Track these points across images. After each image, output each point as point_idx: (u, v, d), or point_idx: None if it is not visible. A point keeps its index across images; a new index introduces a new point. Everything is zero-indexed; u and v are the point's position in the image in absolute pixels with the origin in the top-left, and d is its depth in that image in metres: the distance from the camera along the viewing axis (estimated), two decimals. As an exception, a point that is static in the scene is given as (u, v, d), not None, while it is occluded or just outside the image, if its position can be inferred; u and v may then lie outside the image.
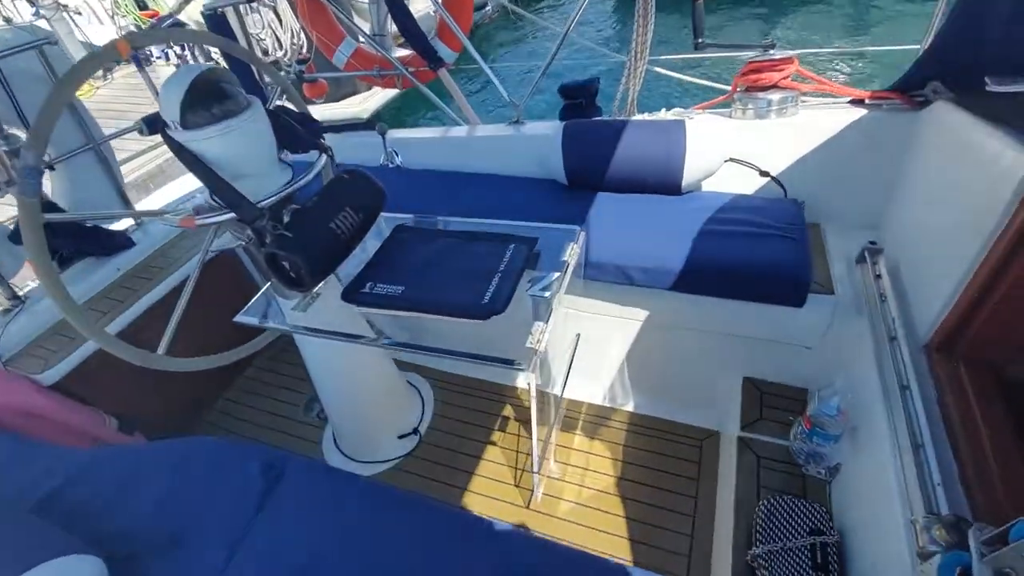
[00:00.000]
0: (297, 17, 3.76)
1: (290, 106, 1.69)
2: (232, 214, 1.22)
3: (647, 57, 2.21)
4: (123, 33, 8.08)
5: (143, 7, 7.80)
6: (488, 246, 1.41)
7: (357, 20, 2.66)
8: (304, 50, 4.35)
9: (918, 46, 1.79)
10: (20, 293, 1.97)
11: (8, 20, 9.01)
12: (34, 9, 7.47)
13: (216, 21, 2.27)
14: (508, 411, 2.17)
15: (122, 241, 2.17)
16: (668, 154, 1.86)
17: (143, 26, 7.74)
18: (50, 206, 2.00)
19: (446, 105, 2.66)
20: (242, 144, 1.24)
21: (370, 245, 1.56)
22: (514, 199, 2.09)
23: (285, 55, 4.96)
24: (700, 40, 1.97)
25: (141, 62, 1.44)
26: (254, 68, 1.64)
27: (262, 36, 4.93)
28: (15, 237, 1.92)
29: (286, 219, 1.35)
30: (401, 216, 1.66)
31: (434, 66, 2.52)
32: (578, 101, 2.18)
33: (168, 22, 5.07)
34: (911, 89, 1.74)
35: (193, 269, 1.48)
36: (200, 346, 1.53)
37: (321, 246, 1.26)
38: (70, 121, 2.02)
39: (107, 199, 2.23)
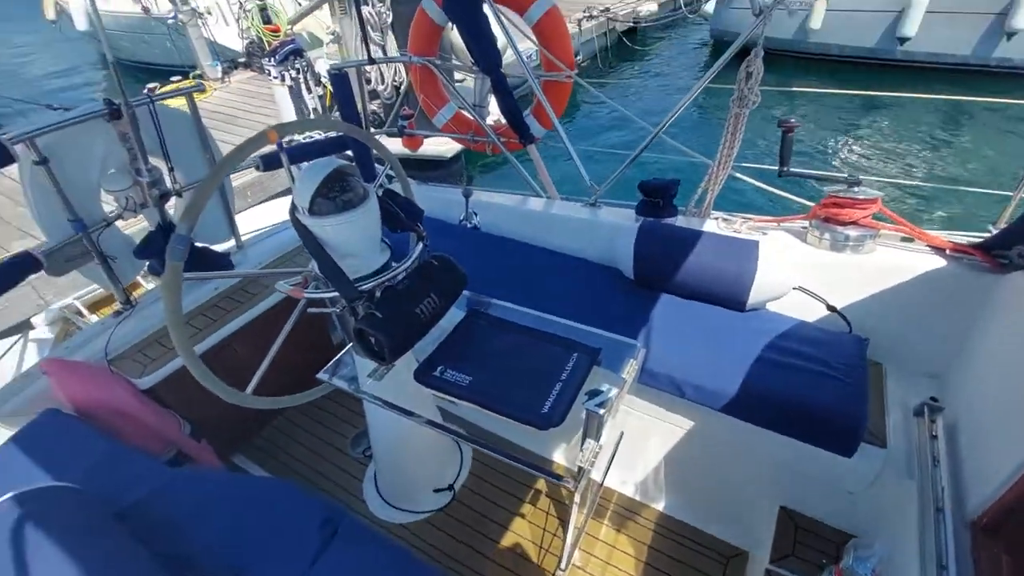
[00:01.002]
0: (407, 74, 4.07)
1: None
2: (335, 292, 1.38)
3: (731, 165, 2.28)
4: (245, 39, 8.85)
5: (267, 20, 8.57)
6: (553, 350, 1.51)
7: (460, 87, 2.88)
8: (403, 93, 4.69)
9: (1011, 193, 1.78)
10: (132, 299, 2.23)
11: (146, 10, 10.12)
12: (172, 13, 8.40)
13: (339, 79, 2.53)
14: (542, 485, 2.24)
15: (223, 263, 2.42)
16: (738, 272, 1.91)
17: (263, 37, 8.52)
18: (170, 227, 2.27)
19: (528, 174, 2.82)
20: (354, 231, 1.41)
21: (444, 321, 1.70)
22: (581, 287, 2.18)
23: (385, 89, 5.34)
24: (785, 168, 2.03)
25: (283, 146, 1.65)
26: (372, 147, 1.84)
27: (369, 70, 5.34)
28: (139, 252, 2.18)
29: (377, 294, 1.51)
30: (474, 296, 1.79)
31: (524, 141, 2.69)
32: (656, 200, 2.27)
33: (289, 48, 5.58)
34: (995, 248, 1.72)
35: (286, 319, 1.65)
36: (274, 376, 1.69)
37: (405, 328, 1.39)
38: (200, 154, 2.29)
39: (218, 223, 2.50)
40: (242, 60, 9.26)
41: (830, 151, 7.93)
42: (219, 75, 8.74)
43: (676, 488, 2.09)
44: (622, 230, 2.26)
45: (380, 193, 1.58)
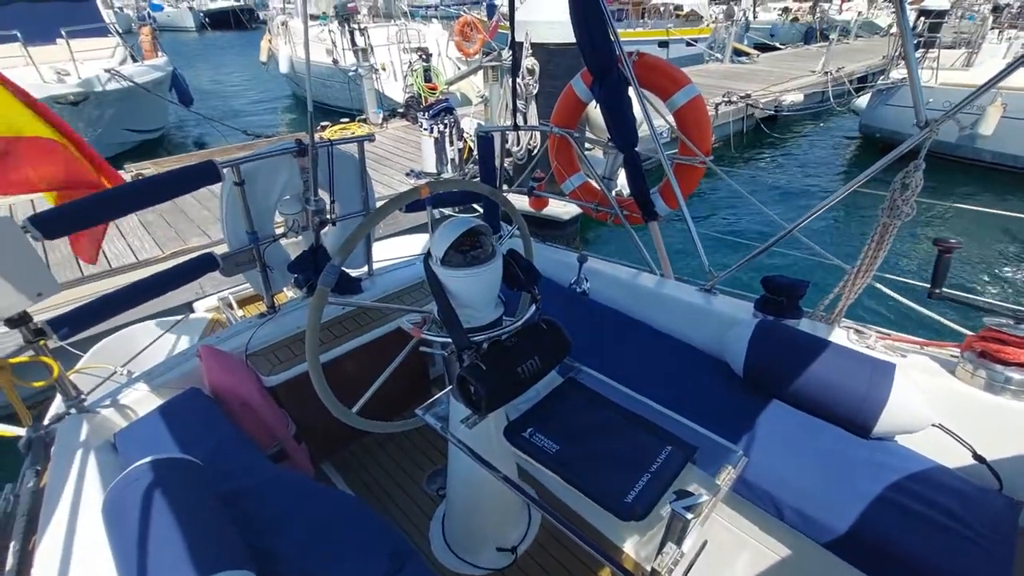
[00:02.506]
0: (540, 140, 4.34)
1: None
2: (448, 338, 1.48)
3: (872, 275, 2.12)
4: (407, 93, 10.06)
5: (428, 80, 9.69)
6: (647, 438, 1.47)
7: (591, 158, 3.03)
8: (535, 156, 5.01)
9: None
10: (277, 305, 2.55)
11: (335, 61, 11.90)
12: (355, 66, 9.80)
13: (484, 140, 2.78)
14: (607, 573, 2.12)
15: (356, 287, 2.70)
16: (867, 394, 1.73)
17: (422, 92, 9.62)
18: (321, 249, 2.59)
19: (645, 249, 2.83)
20: (477, 286, 1.52)
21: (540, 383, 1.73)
22: (685, 375, 2.11)
23: (519, 151, 5.72)
24: (938, 291, 1.84)
25: (436, 204, 1.90)
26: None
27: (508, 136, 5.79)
28: (292, 267, 2.51)
29: (484, 346, 1.59)
30: (574, 365, 1.81)
31: (647, 218, 2.72)
32: (780, 299, 2.16)
33: (442, 106, 6.23)
34: None
35: (399, 349, 1.79)
36: (375, 399, 1.82)
37: (504, 384, 1.45)
38: (359, 190, 2.62)
39: (358, 251, 2.81)
40: (400, 110, 10.49)
41: (990, 278, 6.97)
42: (380, 121, 9.96)
43: None
44: (737, 323, 2.17)
45: (504, 250, 1.69)
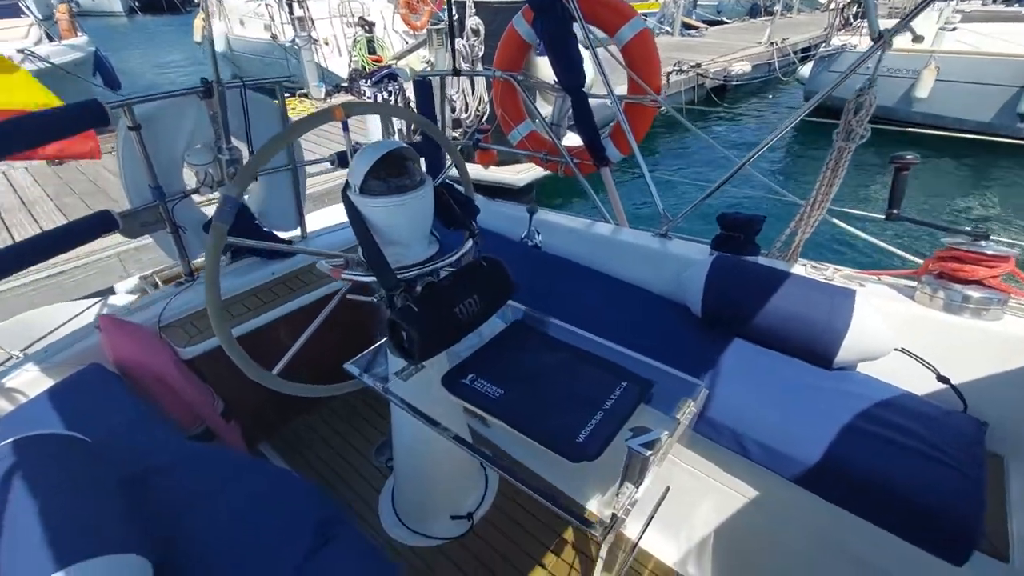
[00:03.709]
0: (489, 92, 4.14)
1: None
2: (374, 277, 1.30)
3: (827, 207, 2.04)
4: (351, 67, 9.61)
5: (372, 52, 9.23)
6: (600, 374, 1.33)
7: (540, 104, 2.85)
8: (485, 120, 4.78)
9: None
10: (196, 272, 2.28)
11: (274, 37, 11.25)
12: (293, 37, 9.25)
13: (422, 85, 2.56)
14: (570, 534, 2.00)
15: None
16: (828, 323, 1.65)
17: (367, 66, 9.16)
18: (242, 208, 2.33)
19: (599, 199, 2.70)
20: (403, 217, 1.33)
21: (485, 330, 1.57)
22: (642, 318, 2.00)
23: (468, 118, 5.48)
24: (895, 212, 1.77)
25: (348, 126, 1.68)
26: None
27: (455, 97, 5.52)
28: (207, 227, 2.24)
29: (419, 288, 1.41)
30: (521, 307, 1.65)
31: (599, 163, 2.58)
32: (736, 236, 2.06)
33: (384, 72, 5.91)
34: None
35: (327, 304, 1.59)
36: (311, 366, 1.62)
37: (440, 327, 1.28)
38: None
39: (287, 211, 2.55)
40: (344, 84, 10.00)
41: (948, 210, 7.14)
42: (322, 96, 9.46)
43: (727, 564, 1.79)
44: (693, 263, 2.06)
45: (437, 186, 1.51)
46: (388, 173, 1.31)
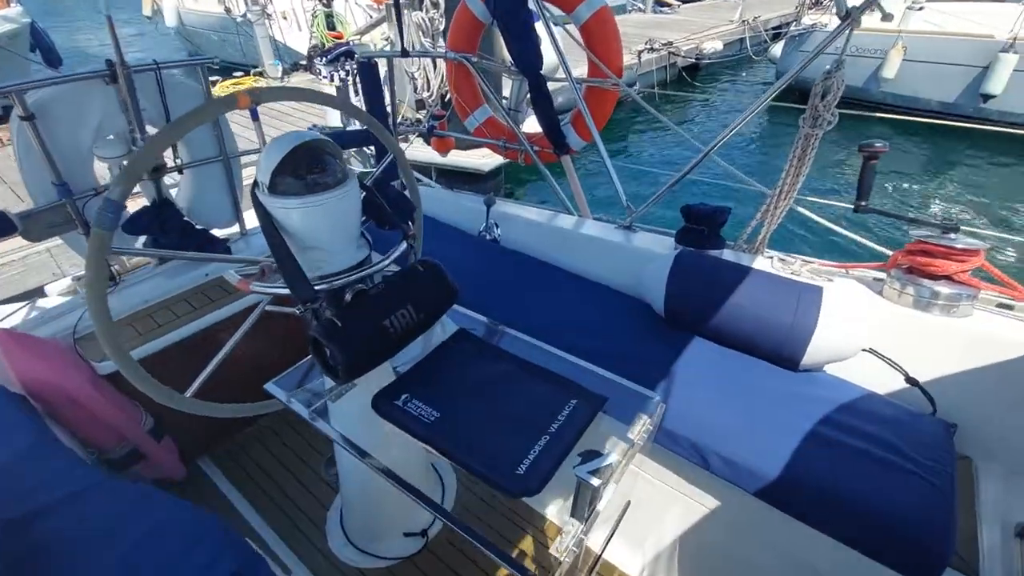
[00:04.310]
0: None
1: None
2: (286, 290, 1.14)
3: (794, 196, 1.95)
4: (311, 43, 9.14)
5: (332, 27, 8.79)
6: (548, 390, 1.21)
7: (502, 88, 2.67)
8: (440, 106, 4.54)
9: None
10: (117, 276, 2.08)
11: (228, 10, 10.62)
12: (244, 10, 8.72)
13: (366, 68, 2.36)
14: (528, 545, 1.90)
15: (221, 249, 2.25)
16: (794, 323, 1.56)
17: (326, 42, 8.72)
18: (166, 204, 2.12)
19: (561, 189, 2.56)
20: (322, 219, 1.17)
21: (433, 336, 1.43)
22: (602, 318, 1.88)
23: (431, 96, 5.23)
24: (863, 203, 1.68)
25: (258, 115, 1.49)
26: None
27: (416, 75, 5.26)
28: (127, 227, 2.03)
29: (347, 297, 1.26)
30: (467, 312, 1.52)
31: (559, 151, 2.44)
32: (700, 228, 1.95)
33: (341, 49, 5.58)
34: None
35: (251, 316, 1.42)
36: (242, 380, 1.46)
37: (367, 344, 1.14)
38: (209, 130, 2.14)
39: (221, 205, 2.34)
40: (303, 63, 9.53)
41: (917, 195, 7.17)
42: (279, 74, 8.98)
43: (689, 574, 1.72)
44: (655, 258, 1.95)
45: (369, 183, 1.35)
46: (304, 170, 1.15)
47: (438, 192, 2.79)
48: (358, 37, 9.23)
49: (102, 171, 2.00)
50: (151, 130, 1.92)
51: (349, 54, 5.83)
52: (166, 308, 2.04)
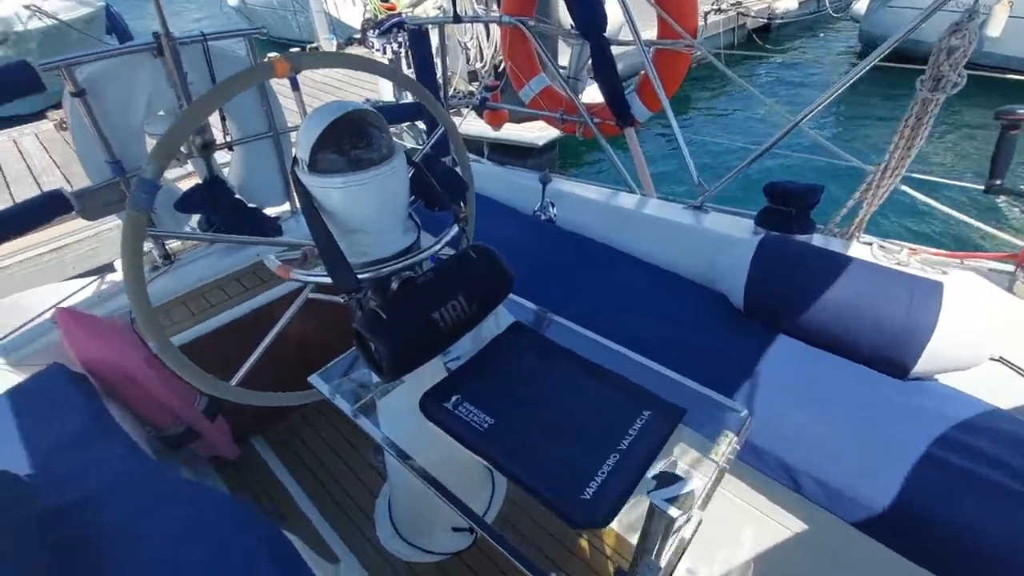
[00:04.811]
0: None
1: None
2: (327, 279, 1.04)
3: (903, 173, 1.67)
4: (365, 16, 9.08)
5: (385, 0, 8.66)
6: (617, 397, 1.06)
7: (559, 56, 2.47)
8: (494, 76, 4.34)
9: None
10: (173, 255, 2.08)
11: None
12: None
13: (417, 36, 2.22)
14: (585, 547, 1.79)
15: (270, 227, 2.21)
16: (907, 323, 1.33)
17: (379, 15, 8.62)
18: (218, 181, 2.09)
19: (623, 165, 2.35)
20: (367, 199, 1.05)
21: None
22: (670, 309, 1.70)
23: (484, 67, 5.04)
24: (998, 182, 1.40)
25: (298, 84, 1.37)
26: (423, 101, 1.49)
27: (468, 45, 5.07)
28: (179, 204, 2.01)
29: (394, 286, 1.15)
30: (522, 302, 1.38)
31: (622, 123, 2.22)
32: (788, 210, 1.71)
33: (393, 20, 5.46)
34: None
35: (295, 302, 1.35)
36: (287, 363, 1.40)
37: (414, 339, 1.02)
38: (258, 106, 2.08)
39: (271, 183, 2.29)
40: (357, 37, 9.50)
41: None
42: (334, 48, 9.00)
43: None
44: (733, 243, 1.74)
45: (418, 159, 1.22)
46: (347, 144, 1.03)
47: (489, 168, 2.64)
48: (411, 8, 9.08)
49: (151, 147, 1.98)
50: None
51: (400, 24, 5.71)
52: (218, 288, 2.03)
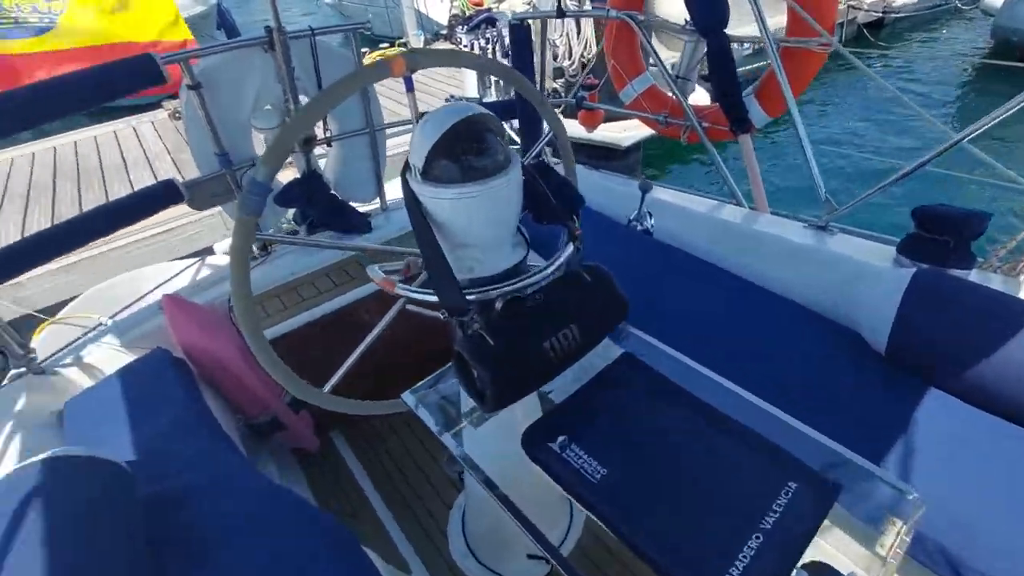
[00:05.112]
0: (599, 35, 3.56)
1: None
2: (431, 295, 0.96)
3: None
4: (451, 12, 9.18)
5: (473, -5, 8.70)
6: (753, 460, 0.91)
7: (665, 55, 2.29)
8: (590, 71, 4.17)
9: None
10: (268, 247, 2.12)
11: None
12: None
13: (519, 31, 2.12)
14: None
15: (361, 224, 2.20)
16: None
17: (467, 11, 8.68)
18: (315, 176, 2.10)
19: (730, 175, 2.14)
20: (482, 212, 0.97)
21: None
22: (789, 343, 1.50)
23: (572, 64, 4.89)
24: None
25: (413, 84, 1.31)
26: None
27: (557, 42, 4.93)
28: (278, 198, 2.04)
29: (498, 306, 1.06)
30: (634, 331, 1.24)
31: (737, 129, 2.02)
32: (943, 239, 1.46)
33: (482, 16, 5.42)
34: None
35: (388, 312, 1.30)
36: (373, 368, 1.36)
37: (523, 370, 0.93)
38: (357, 101, 2.07)
39: (365, 180, 2.29)
40: (444, 32, 9.61)
41: None
42: (420, 44, 9.16)
43: None
44: (873, 273, 1.51)
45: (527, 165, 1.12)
46: (461, 150, 0.94)
47: (581, 171, 2.51)
48: (496, 4, 9.06)
49: (258, 142, 2.02)
50: (304, 100, 1.88)
51: (490, 21, 5.68)
52: (310, 283, 2.04)
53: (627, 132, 5.14)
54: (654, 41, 3.43)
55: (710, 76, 1.99)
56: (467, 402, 1.22)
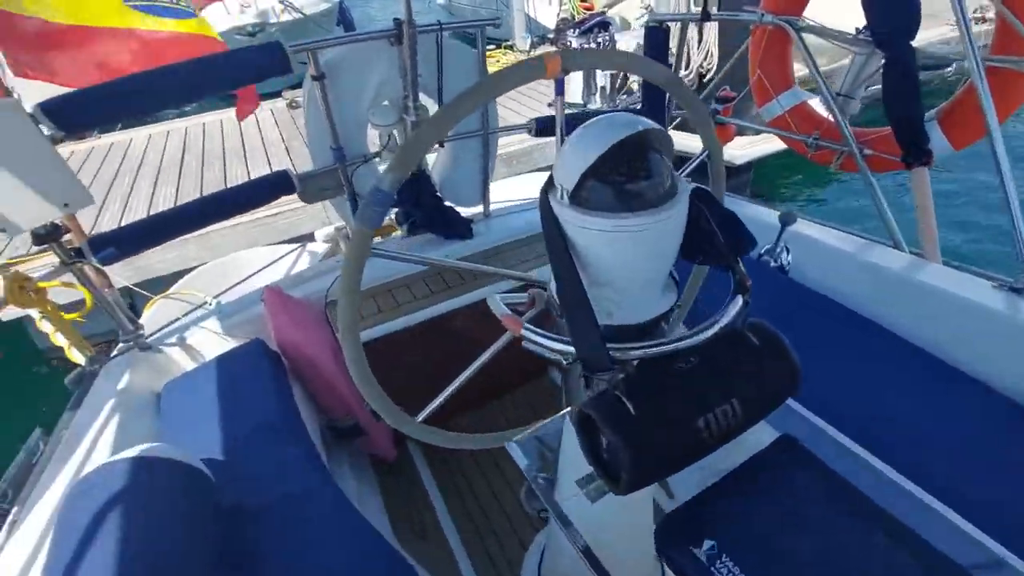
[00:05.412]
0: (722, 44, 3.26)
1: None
2: (568, 344, 0.80)
3: None
4: (559, 15, 9.07)
5: (583, -1, 8.54)
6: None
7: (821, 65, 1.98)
8: (708, 79, 3.85)
9: None
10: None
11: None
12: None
13: (656, 34, 1.92)
14: None
15: (464, 230, 2.11)
16: None
17: (577, 15, 8.52)
18: (424, 177, 2.03)
19: (889, 213, 1.81)
20: (641, 249, 0.79)
21: None
22: (970, 435, 1.20)
23: (689, 74, 4.58)
24: None
25: (563, 87, 1.17)
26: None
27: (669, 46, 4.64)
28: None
29: (634, 362, 0.87)
30: (795, 407, 1.02)
31: (912, 159, 1.70)
32: None
33: (596, 20, 5.22)
34: None
35: (497, 342, 1.15)
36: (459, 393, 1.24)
37: (671, 449, 0.74)
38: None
39: (471, 183, 2.20)
40: (550, 36, 9.54)
41: None
42: (527, 47, 9.14)
43: None
44: None
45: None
46: (622, 172, 0.77)
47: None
48: (607, 8, 8.83)
49: (373, 138, 1.97)
50: (423, 97, 1.80)
51: (603, 24, 5.48)
52: (406, 287, 1.97)
53: (745, 149, 4.69)
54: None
55: (885, 95, 1.68)
56: (572, 458, 1.05)
